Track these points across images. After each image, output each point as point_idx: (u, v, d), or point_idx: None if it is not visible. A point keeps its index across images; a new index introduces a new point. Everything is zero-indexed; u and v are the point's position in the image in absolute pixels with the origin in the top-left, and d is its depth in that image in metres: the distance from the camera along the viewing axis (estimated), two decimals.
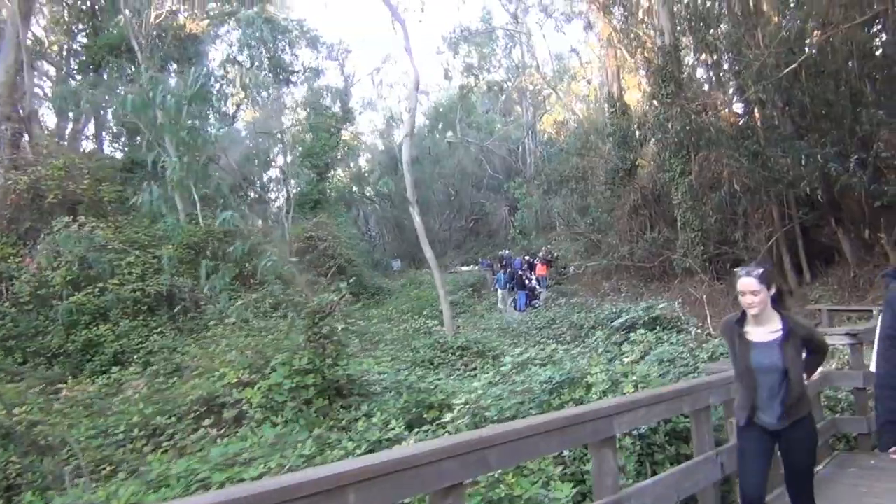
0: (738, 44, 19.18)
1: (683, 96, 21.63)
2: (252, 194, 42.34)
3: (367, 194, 59.61)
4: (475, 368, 10.10)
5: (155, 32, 34.71)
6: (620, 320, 13.11)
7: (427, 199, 54.13)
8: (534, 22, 53.05)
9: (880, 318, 3.80)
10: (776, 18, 18.97)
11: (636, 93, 32.53)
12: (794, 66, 18.07)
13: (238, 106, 41.83)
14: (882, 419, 3.51)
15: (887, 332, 3.53)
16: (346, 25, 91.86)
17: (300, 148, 44.21)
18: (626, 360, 6.39)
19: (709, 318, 13.80)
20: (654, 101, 24.99)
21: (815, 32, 18.40)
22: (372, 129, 69.38)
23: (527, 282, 28.50)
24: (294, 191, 36.06)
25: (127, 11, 34.05)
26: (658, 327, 12.62)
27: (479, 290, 33.40)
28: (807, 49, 18.67)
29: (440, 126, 62.54)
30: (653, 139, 20.49)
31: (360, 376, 7.84)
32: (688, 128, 19.74)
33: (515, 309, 27.16)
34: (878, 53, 21.29)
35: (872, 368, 4.20)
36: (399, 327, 14.24)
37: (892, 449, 3.41)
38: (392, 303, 26.82)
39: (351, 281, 27.16)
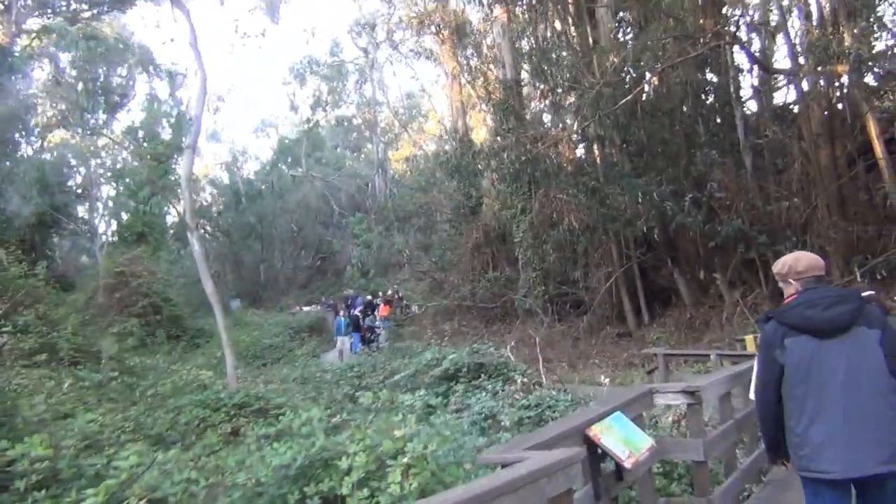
0: (574, 72, 18.52)
1: (523, 131, 20.76)
2: (70, 225, 38.17)
3: (206, 229, 55.72)
4: (238, 436, 8.04)
5: None
6: (440, 368, 11.49)
7: (269, 234, 51.26)
8: (384, 58, 52.00)
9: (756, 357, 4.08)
10: (612, 52, 18.44)
11: (483, 129, 31.81)
12: (629, 97, 17.49)
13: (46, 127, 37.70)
14: (769, 443, 3.86)
15: (760, 376, 3.79)
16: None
17: (124, 178, 40.52)
18: (396, 432, 4.52)
19: (541, 363, 12.45)
20: (498, 137, 24.09)
21: (653, 69, 17.95)
22: (216, 161, 66.00)
23: (362, 322, 26.59)
24: (111, 222, 32.41)
25: None
26: (483, 375, 11.09)
27: (316, 332, 31.10)
28: (644, 83, 18.20)
29: (289, 160, 59.83)
30: (488, 170, 19.37)
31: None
32: (523, 158, 18.75)
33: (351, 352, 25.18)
34: (710, 94, 21.37)
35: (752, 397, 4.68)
36: (167, 379, 11.79)
37: (780, 462, 3.84)
38: (208, 348, 24.05)
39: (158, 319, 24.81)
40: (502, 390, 10.26)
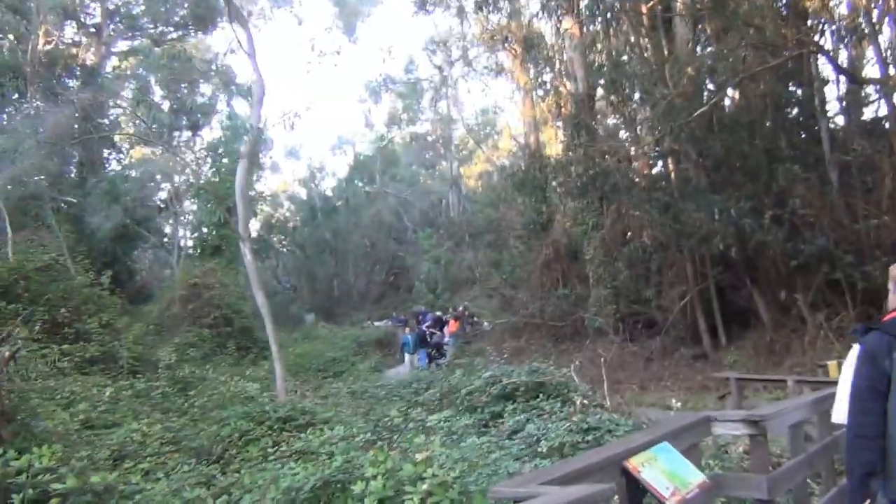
0: (646, 83, 17.91)
1: (593, 146, 20.26)
2: (152, 238, 39.54)
3: (282, 244, 56.69)
4: (282, 448, 7.82)
5: (44, 59, 32.31)
6: (497, 386, 11.09)
7: (343, 249, 51.89)
8: (458, 75, 52.07)
9: (848, 370, 3.92)
10: (687, 63, 17.77)
11: (556, 145, 31.31)
12: (704, 108, 16.78)
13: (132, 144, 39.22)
14: (857, 473, 3.45)
15: (866, 384, 3.44)
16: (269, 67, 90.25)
17: (202, 192, 41.62)
18: (418, 455, 4.20)
19: (605, 384, 11.92)
20: (569, 152, 23.61)
21: (730, 80, 17.21)
22: (294, 177, 67.42)
23: (429, 338, 26.45)
24: (191, 235, 33.30)
25: (11, 36, 31.82)
26: (542, 395, 10.65)
27: (384, 347, 31.11)
28: (720, 94, 17.46)
29: (364, 177, 60.52)
30: (554, 182, 18.91)
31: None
32: (591, 172, 18.21)
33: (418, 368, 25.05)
34: (793, 107, 20.39)
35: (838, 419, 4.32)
36: (216, 390, 11.73)
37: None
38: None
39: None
40: (560, 412, 9.80)
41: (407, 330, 27.43)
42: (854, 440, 3.51)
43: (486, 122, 57.49)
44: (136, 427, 7.44)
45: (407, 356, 26.04)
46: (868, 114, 22.41)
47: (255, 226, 57.22)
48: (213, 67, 45.73)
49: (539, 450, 7.45)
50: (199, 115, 44.23)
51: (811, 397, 5.68)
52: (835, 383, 10.58)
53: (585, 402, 9.99)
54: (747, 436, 4.69)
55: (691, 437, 4.37)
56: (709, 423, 4.63)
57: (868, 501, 3.46)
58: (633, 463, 3.62)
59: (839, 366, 13.62)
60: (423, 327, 28.08)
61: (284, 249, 57.30)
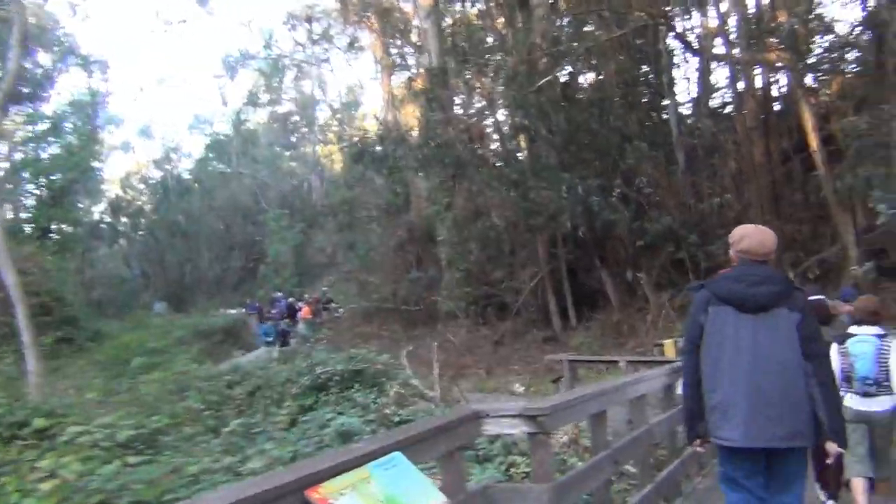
0: (492, 50, 17.04)
1: (441, 119, 19.29)
2: None
3: (130, 228, 52.51)
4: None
5: None
6: (310, 376, 9.78)
7: (196, 233, 48.74)
8: (321, 52, 49.86)
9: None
10: (532, 32, 16.99)
11: (413, 121, 30.25)
12: (548, 77, 16.10)
13: None
14: (685, 416, 3.83)
15: (685, 337, 3.82)
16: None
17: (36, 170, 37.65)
18: (44, 486, 2.86)
19: (436, 370, 10.86)
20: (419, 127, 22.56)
21: (576, 50, 16.62)
22: (150, 158, 63.05)
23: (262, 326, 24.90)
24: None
25: None
26: (358, 384, 9.47)
27: (232, 336, 29.04)
28: (564, 64, 16.84)
29: (224, 159, 56.97)
30: (395, 154, 17.78)
31: None
32: (434, 144, 17.18)
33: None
34: (644, 86, 20.16)
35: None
36: None
37: (696, 442, 3.77)
38: (100, 350, 21.97)
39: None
40: (374, 403, 8.65)
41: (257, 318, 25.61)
42: (682, 389, 3.92)
43: (350, 102, 55.60)
44: None
45: (266, 348, 24.34)
46: (716, 99, 22.78)
47: (99, 209, 53.21)
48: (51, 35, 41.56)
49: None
50: (35, 85, 40.04)
51: (614, 382, 4.73)
52: (671, 362, 10.02)
53: (402, 391, 8.88)
54: (526, 435, 3.63)
55: (451, 440, 3.24)
56: (478, 419, 3.53)
57: (698, 441, 3.75)
58: (323, 492, 2.42)
59: (675, 345, 13.27)
60: (270, 314, 26.37)
61: (133, 234, 53.34)
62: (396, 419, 7.94)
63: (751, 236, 3.72)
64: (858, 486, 5.09)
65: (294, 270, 33.10)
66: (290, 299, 30.98)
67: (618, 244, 19.75)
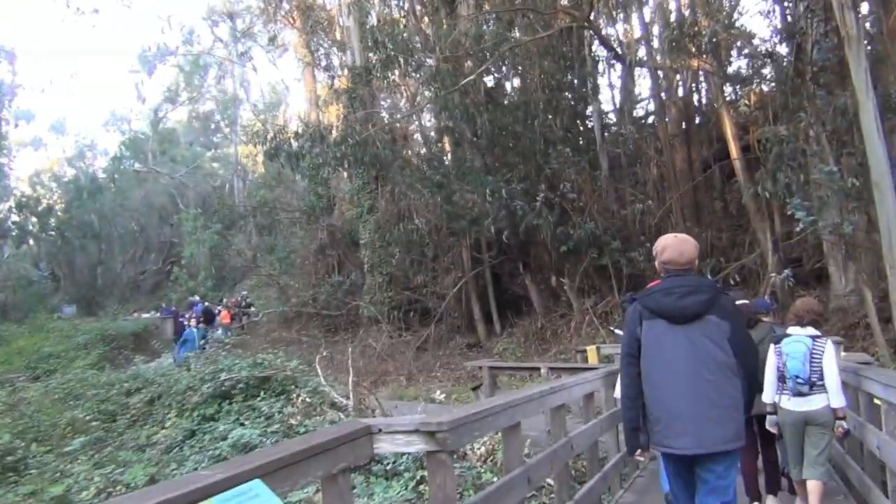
0: (412, 46, 16.56)
1: (357, 116, 18.74)
2: None
3: (38, 227, 49.59)
4: None
5: None
6: (213, 383, 9.07)
7: (109, 234, 46.57)
8: (244, 50, 48.40)
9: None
10: (455, 30, 16.61)
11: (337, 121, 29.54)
12: (471, 77, 15.74)
13: None
14: (627, 427, 3.96)
15: (624, 350, 3.86)
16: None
17: None
18: None
19: (350, 376, 10.26)
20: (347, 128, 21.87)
21: (498, 50, 16.32)
22: (64, 155, 60.11)
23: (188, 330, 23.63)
24: None
25: None
26: (264, 392, 8.82)
27: (143, 341, 27.71)
28: (487, 64, 16.52)
29: (140, 157, 54.70)
30: (310, 154, 17.05)
31: None
32: (350, 141, 16.58)
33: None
34: (569, 90, 20.04)
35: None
36: None
37: (637, 452, 3.83)
38: None
39: None
40: (280, 412, 8.03)
41: (193, 322, 24.15)
42: (622, 400, 3.93)
43: (274, 102, 54.28)
44: None
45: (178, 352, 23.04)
46: (640, 107, 22.95)
47: (5, 207, 50.25)
48: None
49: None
50: None
51: (528, 392, 4.29)
52: (592, 369, 9.73)
53: (309, 400, 8.27)
54: (425, 452, 3.15)
55: (332, 461, 2.73)
56: (369, 436, 3.02)
57: (640, 451, 3.81)
58: None
59: (598, 351, 13.06)
60: (182, 319, 25.14)
61: (42, 234, 50.50)
62: (302, 430, 7.35)
63: (671, 247, 3.80)
64: (808, 488, 5.12)
65: (211, 273, 31.77)
66: (206, 303, 29.80)
67: (542, 250, 19.54)
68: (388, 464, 6.01)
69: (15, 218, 48.38)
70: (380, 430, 3.04)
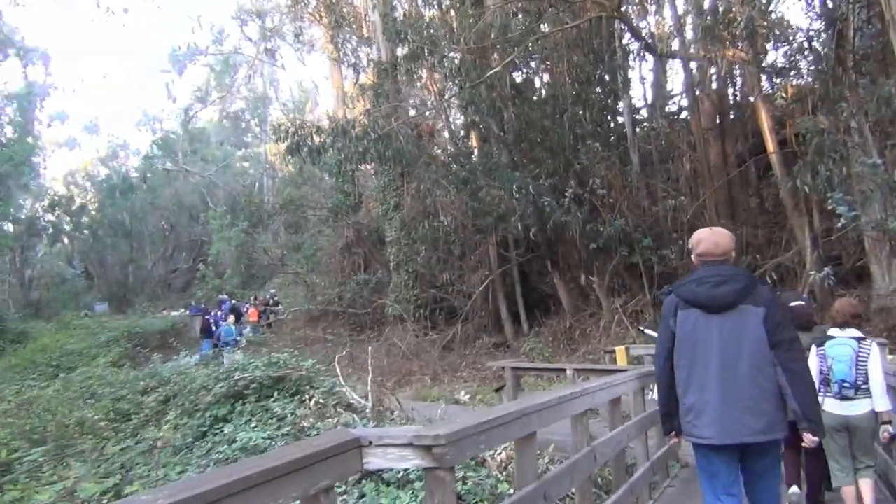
0: (436, 37, 16.20)
1: (393, 112, 18.44)
2: None
3: (72, 226, 50.14)
4: None
5: None
6: (225, 383, 8.80)
7: (140, 232, 46.95)
8: (274, 49, 48.42)
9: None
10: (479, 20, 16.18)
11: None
12: (497, 69, 15.33)
13: None
14: (661, 412, 3.95)
15: (660, 339, 3.89)
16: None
17: None
18: None
19: (370, 377, 9.94)
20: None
21: (526, 41, 15.89)
22: (98, 155, 60.75)
23: (214, 328, 23.63)
24: None
25: None
26: (278, 392, 8.53)
27: (171, 338, 27.76)
28: (513, 56, 16.08)
29: (173, 156, 55.08)
30: (332, 148, 16.77)
31: None
32: (373, 135, 16.26)
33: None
34: (598, 84, 19.50)
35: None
36: None
37: (672, 434, 3.91)
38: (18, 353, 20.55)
39: None
40: (293, 414, 7.73)
41: (231, 319, 24.05)
42: (657, 389, 4.02)
43: (303, 101, 54.30)
44: None
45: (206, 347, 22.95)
46: (672, 97, 22.33)
47: (41, 207, 50.90)
48: None
49: None
50: None
51: (544, 398, 3.89)
52: (621, 370, 9.27)
53: (322, 401, 7.95)
54: (423, 469, 2.78)
55: (311, 479, 2.37)
56: (358, 449, 2.67)
57: (673, 434, 3.88)
58: None
59: (627, 352, 12.58)
60: (210, 317, 25.14)
61: (76, 233, 51.11)
62: (314, 432, 7.04)
63: (706, 239, 3.81)
64: (849, 494, 4.98)
65: (238, 271, 31.74)
66: (233, 301, 29.79)
67: (570, 247, 19.06)
68: (399, 470, 5.66)
69: (49, 217, 49.02)
70: (370, 443, 2.67)
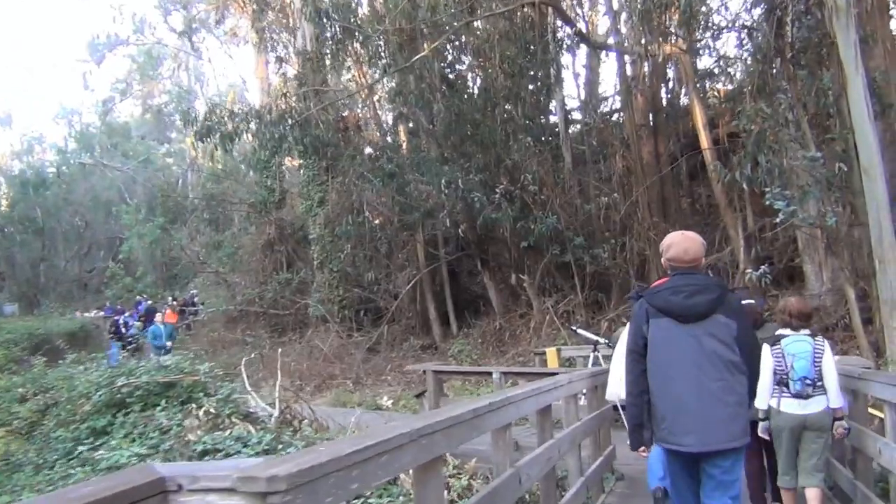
0: (356, 17, 15.33)
1: (314, 95, 17.48)
2: None
3: None
4: None
5: None
6: (106, 390, 7.73)
7: (52, 229, 44.37)
8: (200, 42, 46.53)
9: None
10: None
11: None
12: (423, 54, 14.54)
13: None
14: (630, 424, 3.88)
15: (629, 347, 3.86)
16: None
17: None
18: None
19: (278, 382, 8.97)
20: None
21: (453, 25, 15.17)
22: (11, 149, 57.47)
23: (123, 330, 22.19)
24: None
25: None
26: (166, 401, 7.50)
27: (79, 341, 26.00)
28: (441, 39, 15.33)
29: (90, 151, 52.35)
30: (247, 133, 15.70)
31: None
32: (290, 120, 15.21)
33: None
34: (531, 77, 18.89)
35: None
36: None
37: (641, 448, 3.86)
38: None
39: None
40: (179, 426, 6.73)
41: (158, 317, 22.29)
42: (627, 397, 3.95)
43: (231, 96, 52.53)
44: None
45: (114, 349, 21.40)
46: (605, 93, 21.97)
47: None
48: None
49: None
50: None
51: (451, 412, 3.04)
52: (552, 373, 8.57)
53: (214, 411, 6.97)
54: None
55: None
56: (164, 494, 1.78)
57: (643, 448, 3.85)
58: None
59: (558, 353, 11.94)
60: (119, 318, 23.61)
61: None
62: (200, 447, 6.05)
63: (676, 244, 3.78)
64: (788, 499, 5.01)
65: (157, 271, 30.04)
66: (150, 302, 28.20)
67: (501, 246, 18.45)
68: None
69: None
70: (180, 487, 1.78)
